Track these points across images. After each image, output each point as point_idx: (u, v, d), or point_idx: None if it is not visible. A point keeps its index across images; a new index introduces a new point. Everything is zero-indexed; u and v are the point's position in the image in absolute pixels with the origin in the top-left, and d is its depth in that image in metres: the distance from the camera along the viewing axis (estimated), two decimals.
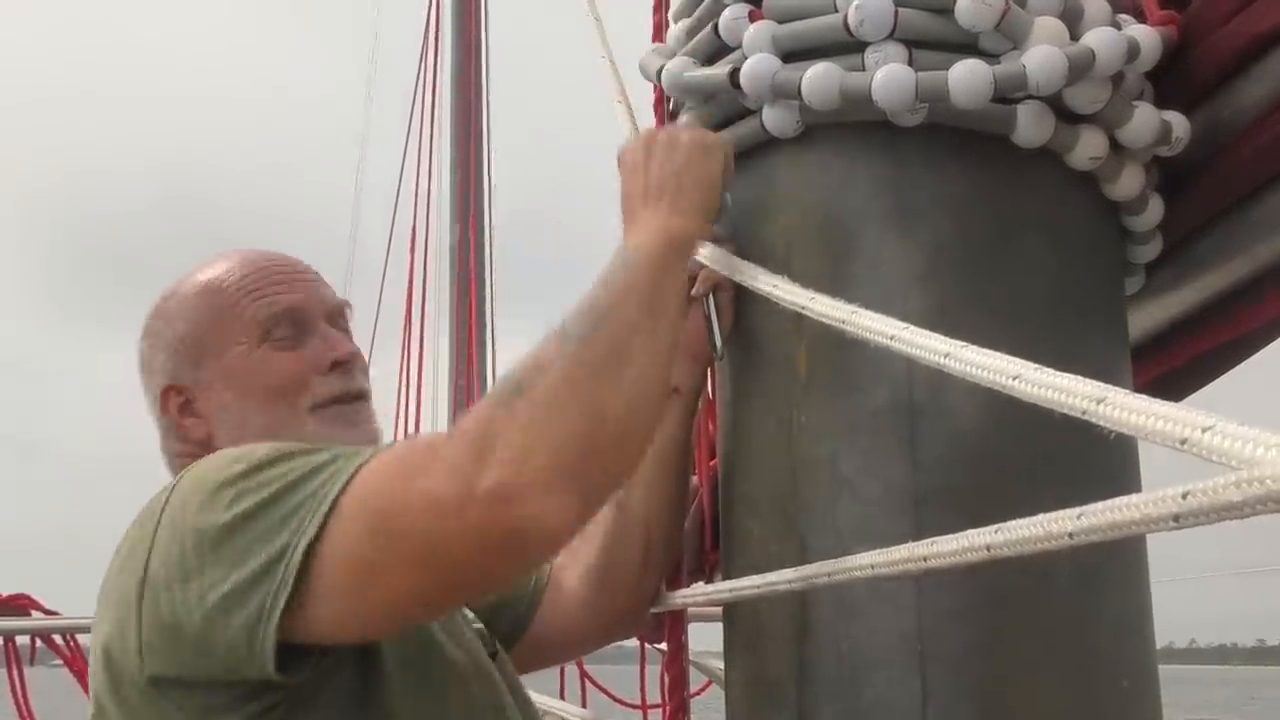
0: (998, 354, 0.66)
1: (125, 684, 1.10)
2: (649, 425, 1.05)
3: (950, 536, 0.72)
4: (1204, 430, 0.46)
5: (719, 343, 1.26)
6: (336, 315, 1.33)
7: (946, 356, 0.71)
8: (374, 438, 1.30)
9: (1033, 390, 0.61)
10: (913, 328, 0.78)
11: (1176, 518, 0.48)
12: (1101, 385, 0.56)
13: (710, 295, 1.28)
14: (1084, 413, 0.56)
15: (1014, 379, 0.63)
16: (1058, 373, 0.61)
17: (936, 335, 0.74)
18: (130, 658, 1.08)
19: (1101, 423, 0.55)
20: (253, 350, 1.27)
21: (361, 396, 1.31)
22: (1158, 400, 0.51)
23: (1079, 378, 0.58)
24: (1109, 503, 0.55)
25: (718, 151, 1.18)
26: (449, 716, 1.19)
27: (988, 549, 0.67)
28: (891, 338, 0.79)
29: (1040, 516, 0.62)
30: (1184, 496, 0.47)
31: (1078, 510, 0.57)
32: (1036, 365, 0.62)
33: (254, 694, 1.07)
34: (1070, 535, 0.57)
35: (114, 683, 1.11)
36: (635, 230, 1.13)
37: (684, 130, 1.21)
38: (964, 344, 0.70)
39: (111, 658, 1.11)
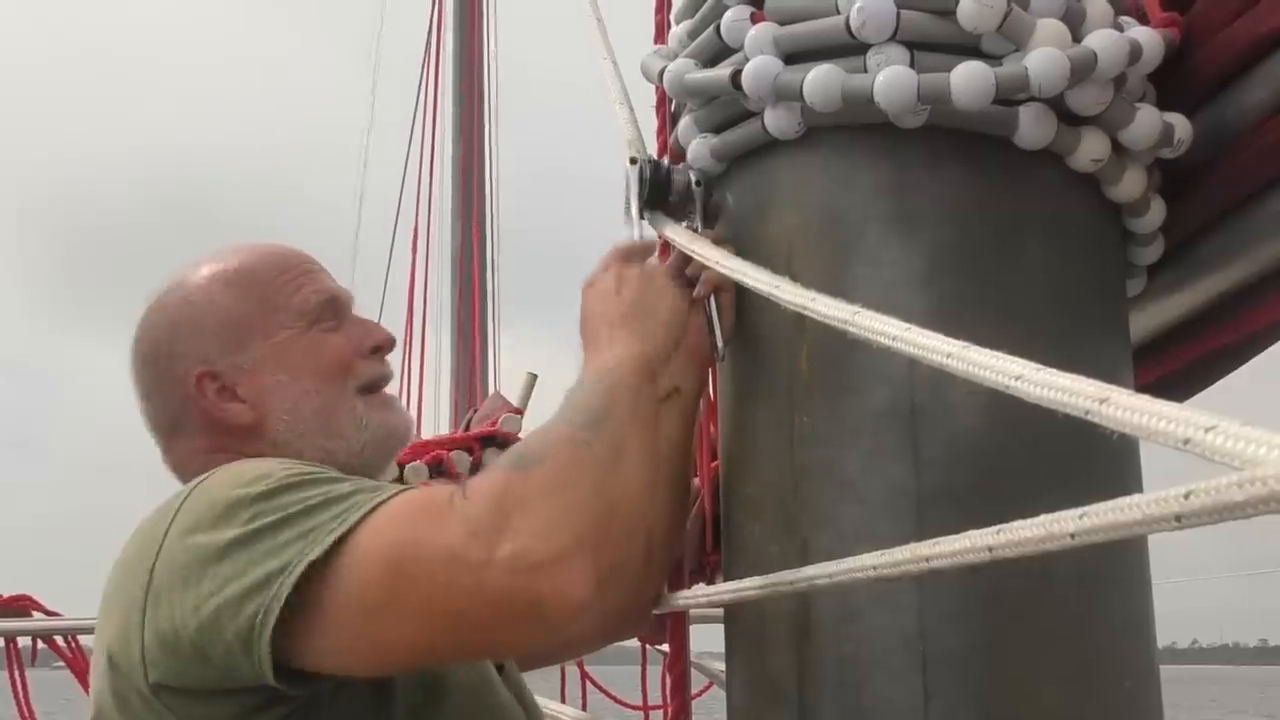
0: (1000, 354, 0.66)
1: (129, 692, 1.09)
2: (652, 519, 1.09)
3: (952, 537, 0.72)
4: (1207, 430, 0.46)
5: (720, 343, 1.26)
6: (352, 306, 1.37)
7: (949, 357, 0.71)
8: (411, 422, 1.35)
9: (1035, 390, 0.61)
10: (915, 328, 0.78)
11: (1179, 518, 0.48)
12: (1104, 385, 0.56)
13: (712, 296, 1.28)
14: (1087, 413, 0.56)
15: (1016, 379, 0.63)
16: (1060, 373, 0.61)
17: (939, 336, 0.74)
18: (134, 666, 1.08)
19: (1104, 423, 0.55)
20: (302, 334, 1.28)
21: (390, 379, 1.35)
22: (1160, 400, 0.51)
23: (1081, 378, 0.58)
24: (1111, 503, 0.55)
25: (683, 286, 1.24)
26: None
27: (990, 550, 0.67)
28: (894, 338, 0.79)
29: (1042, 517, 0.62)
30: (1186, 496, 0.47)
31: (1080, 511, 0.57)
32: (1039, 365, 0.62)
33: (263, 706, 1.06)
34: (1072, 536, 0.57)
35: (117, 690, 1.11)
36: (609, 349, 1.16)
37: (655, 266, 1.26)
38: (966, 344, 0.70)
39: (115, 664, 1.11)
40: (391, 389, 1.39)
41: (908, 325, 0.79)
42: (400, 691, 1.15)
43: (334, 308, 1.32)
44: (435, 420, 7.54)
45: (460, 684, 1.21)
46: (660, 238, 1.35)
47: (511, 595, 0.96)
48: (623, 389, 1.12)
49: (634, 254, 1.27)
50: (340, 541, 1.01)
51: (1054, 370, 0.61)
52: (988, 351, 0.68)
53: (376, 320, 1.37)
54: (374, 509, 1.02)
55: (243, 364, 1.27)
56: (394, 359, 1.36)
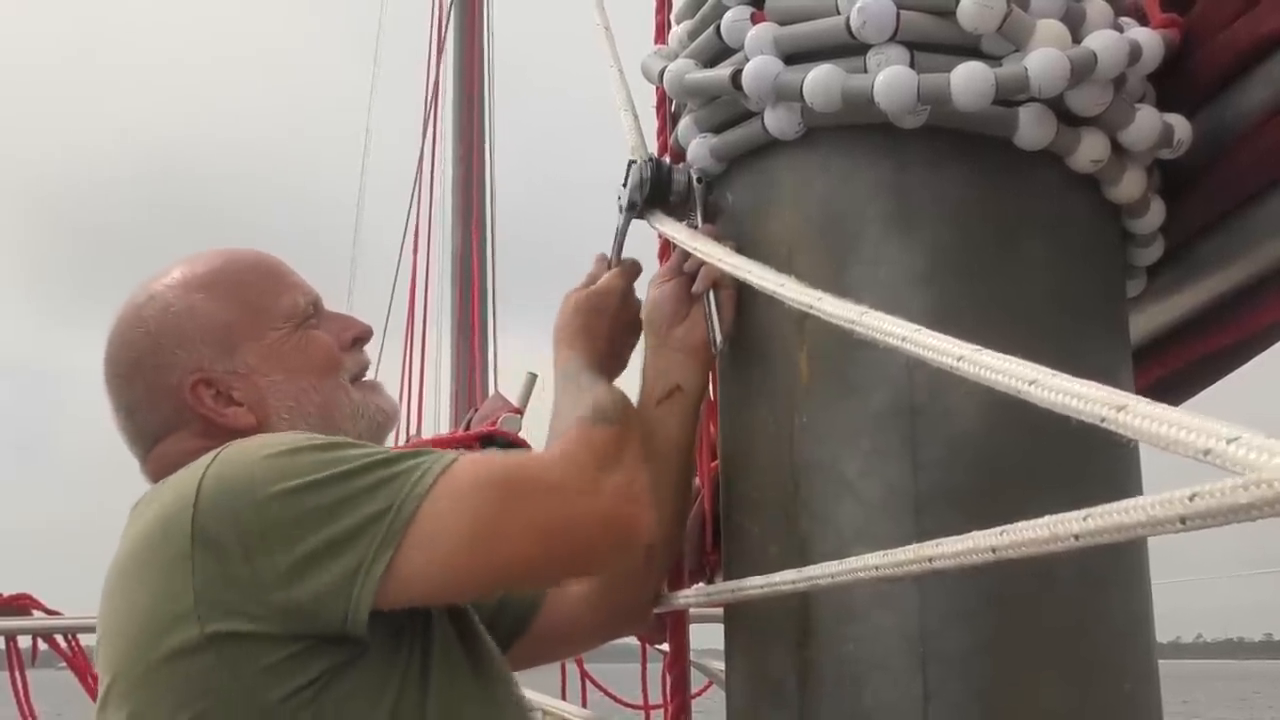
0: (1013, 359, 0.66)
1: (166, 652, 1.08)
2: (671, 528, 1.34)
3: (955, 538, 0.72)
4: (1229, 441, 0.46)
5: (719, 339, 1.27)
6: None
7: (960, 360, 0.71)
8: (397, 404, 1.42)
9: (1049, 396, 0.61)
10: (924, 330, 0.77)
11: (1183, 520, 0.48)
12: (1121, 393, 0.56)
13: (711, 292, 1.28)
14: (1103, 420, 0.55)
15: (1030, 384, 0.63)
16: (1075, 379, 0.60)
17: (950, 338, 0.74)
18: (178, 622, 1.07)
19: (1121, 431, 0.54)
20: (292, 334, 1.30)
21: (369, 367, 1.40)
22: (1178, 409, 0.51)
23: (1097, 384, 0.58)
24: (1115, 505, 0.55)
25: (684, 283, 1.35)
26: (483, 709, 1.21)
27: (993, 551, 0.67)
28: (903, 339, 0.79)
29: (1046, 518, 0.61)
30: (1191, 499, 0.47)
31: (1084, 512, 0.57)
32: (1053, 371, 0.62)
33: (307, 657, 1.07)
34: (1076, 537, 0.57)
35: (140, 657, 1.10)
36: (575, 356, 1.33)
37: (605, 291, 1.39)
38: (978, 348, 0.70)
39: (142, 631, 1.10)
40: (392, 388, 1.40)
41: (917, 327, 0.79)
42: (410, 670, 1.15)
43: (317, 306, 1.35)
44: (435, 420, 7.54)
45: (463, 663, 1.22)
46: (660, 236, 1.35)
47: (615, 518, 1.13)
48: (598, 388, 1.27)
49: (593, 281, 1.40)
50: (441, 477, 1.08)
51: (1068, 376, 0.61)
52: (1000, 355, 0.67)
53: (379, 319, 1.39)
54: (456, 459, 1.12)
55: (236, 368, 1.27)
56: (395, 359, 1.40)
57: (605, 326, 1.36)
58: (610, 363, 1.37)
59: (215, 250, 1.37)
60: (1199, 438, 0.48)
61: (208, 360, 1.27)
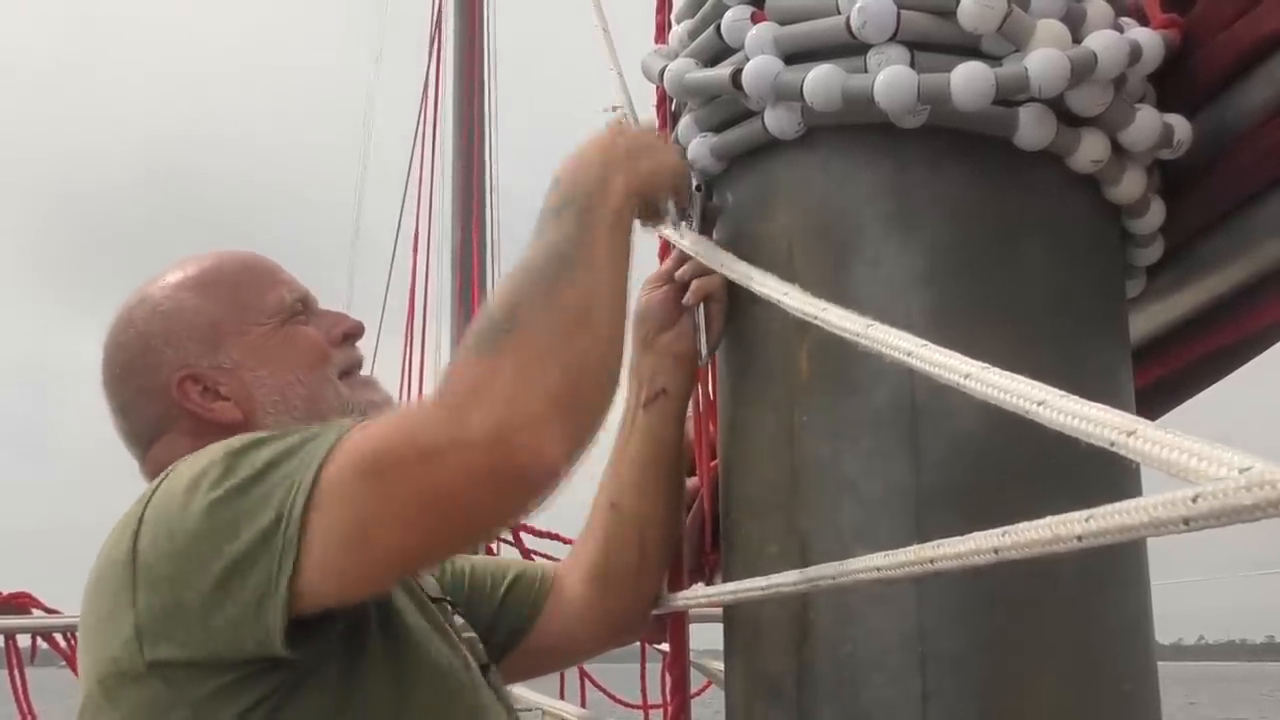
0: (1021, 378, 0.66)
1: (118, 675, 1.09)
2: (617, 368, 1.10)
3: (957, 539, 0.72)
4: (1241, 471, 0.45)
5: (705, 351, 1.28)
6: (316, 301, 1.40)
7: (967, 377, 0.70)
8: (393, 399, 1.39)
9: (1058, 418, 0.61)
10: (930, 345, 0.77)
11: (1186, 520, 0.48)
12: (1131, 417, 0.55)
13: (701, 306, 1.29)
14: (1112, 444, 0.55)
15: (1039, 405, 0.62)
16: (1084, 401, 0.60)
17: (956, 354, 0.74)
18: (125, 646, 1.08)
19: (1131, 456, 0.54)
20: (277, 329, 1.30)
21: (361, 364, 1.38)
22: (1189, 435, 0.51)
23: (1107, 408, 0.58)
24: (1118, 505, 0.55)
25: (675, 291, 1.31)
26: (422, 712, 1.19)
27: (995, 551, 0.67)
28: (909, 354, 0.79)
29: (1048, 519, 0.61)
30: (1194, 499, 0.47)
31: (1086, 513, 0.57)
32: (1062, 392, 0.62)
33: (249, 679, 1.07)
34: (1079, 538, 0.57)
35: (104, 675, 1.11)
36: (594, 171, 1.15)
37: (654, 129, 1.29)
38: (985, 365, 0.70)
39: (102, 649, 1.11)
40: (391, 387, 1.39)
41: (923, 341, 0.79)
42: (370, 681, 1.15)
43: (306, 303, 1.35)
44: None
45: (432, 672, 1.21)
46: (660, 238, 1.35)
47: (490, 468, 0.98)
48: (601, 225, 1.12)
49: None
50: (319, 473, 1.02)
51: (1078, 398, 0.61)
52: (1008, 375, 0.67)
53: (378, 317, 1.38)
54: (343, 437, 1.04)
55: (222, 363, 1.28)
56: (395, 357, 1.38)
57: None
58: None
59: (207, 253, 1.38)
60: (1211, 466, 0.48)
61: (193, 356, 1.28)
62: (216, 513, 1.05)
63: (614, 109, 1.33)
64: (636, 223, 1.22)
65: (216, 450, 1.10)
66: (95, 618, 1.13)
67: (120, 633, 1.09)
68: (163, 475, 1.14)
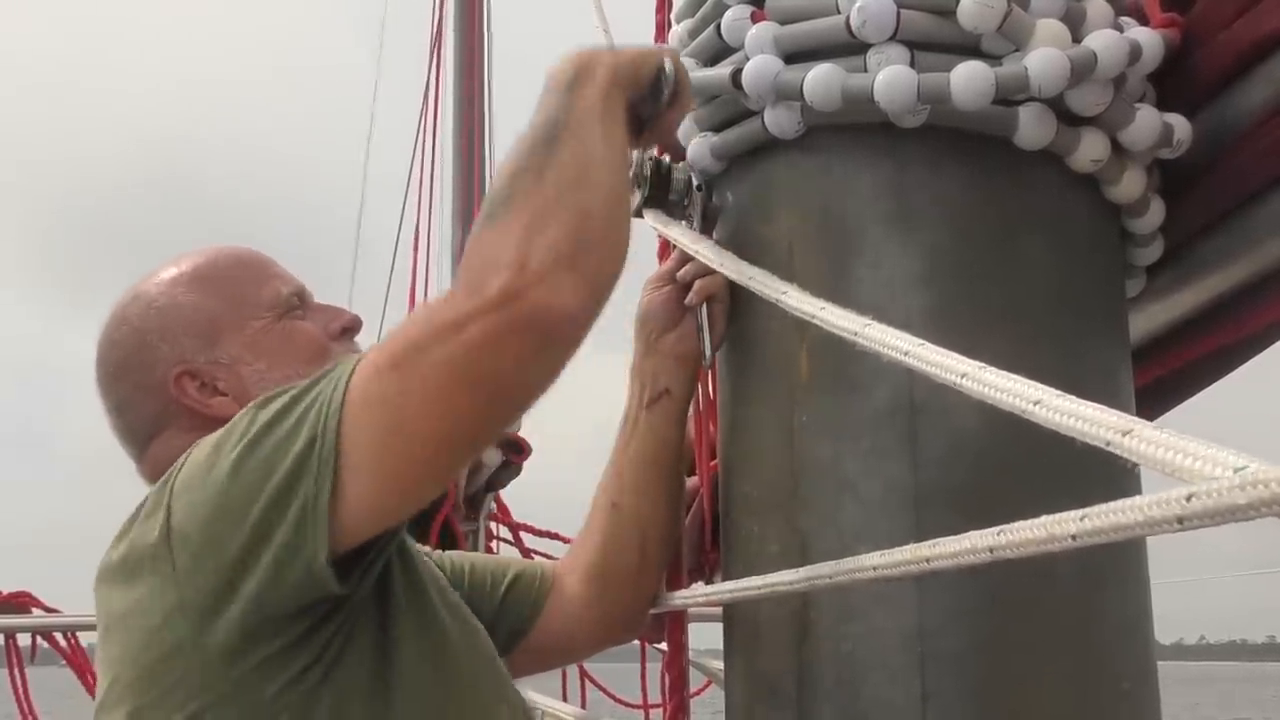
0: (1018, 378, 0.66)
1: (159, 655, 1.09)
2: (624, 221, 1.10)
3: (953, 538, 0.72)
4: (1236, 471, 0.46)
5: (709, 352, 1.28)
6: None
7: (964, 377, 0.71)
8: None
9: (1054, 418, 0.61)
10: (928, 345, 0.77)
11: (1180, 520, 0.48)
12: (1127, 417, 0.55)
13: (704, 306, 1.29)
14: (1108, 444, 0.55)
15: (1035, 404, 0.62)
16: (1080, 400, 0.60)
17: (953, 354, 0.74)
18: (169, 622, 1.08)
19: (1127, 456, 0.54)
20: (274, 323, 1.30)
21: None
22: (1185, 435, 0.51)
23: (1103, 407, 0.58)
24: (1113, 504, 0.55)
25: (678, 291, 1.32)
26: (458, 693, 1.21)
27: (991, 550, 0.67)
28: (906, 353, 0.79)
29: (1044, 518, 0.62)
30: (1188, 499, 0.47)
31: (1081, 512, 0.57)
32: (1059, 392, 0.62)
33: (291, 650, 1.07)
34: (1074, 537, 0.57)
35: (145, 653, 1.10)
36: (572, 69, 1.13)
37: None
38: (982, 365, 0.70)
39: (139, 628, 1.10)
40: None
41: (920, 341, 0.79)
42: (405, 656, 1.15)
43: (302, 297, 1.34)
44: None
45: (461, 649, 1.22)
46: (660, 237, 1.35)
47: (509, 325, 0.98)
48: (589, 97, 1.10)
49: None
50: (345, 394, 1.03)
51: (1074, 398, 0.61)
52: (1004, 374, 0.67)
53: (379, 316, 1.38)
54: (360, 358, 1.05)
55: (219, 358, 1.28)
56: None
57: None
58: None
59: (200, 248, 1.38)
60: (1206, 465, 0.48)
61: (190, 352, 1.28)
62: (246, 461, 1.05)
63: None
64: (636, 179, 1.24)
65: (237, 416, 1.11)
66: (126, 601, 1.12)
67: (159, 609, 1.08)
68: (180, 461, 1.13)
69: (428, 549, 1.46)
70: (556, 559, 1.55)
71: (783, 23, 1.18)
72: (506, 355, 0.99)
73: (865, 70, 1.12)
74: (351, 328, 1.36)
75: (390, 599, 1.18)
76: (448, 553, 1.50)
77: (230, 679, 1.07)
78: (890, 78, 1.09)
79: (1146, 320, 1.37)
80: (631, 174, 1.31)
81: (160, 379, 1.28)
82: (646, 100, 1.17)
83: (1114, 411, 0.57)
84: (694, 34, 1.30)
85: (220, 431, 1.11)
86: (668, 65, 1.18)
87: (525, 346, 1.00)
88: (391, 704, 1.14)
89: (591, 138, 1.08)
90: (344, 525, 1.04)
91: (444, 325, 1.00)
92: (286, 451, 1.04)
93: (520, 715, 1.30)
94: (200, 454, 1.11)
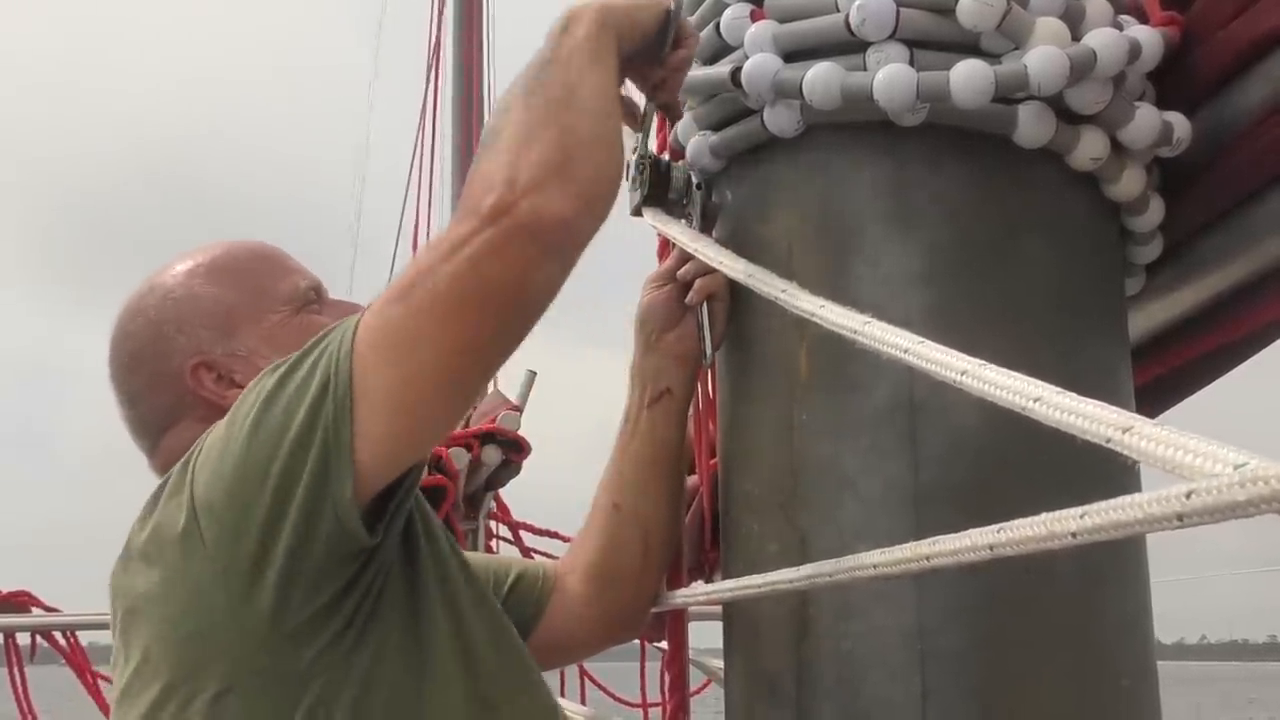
0: (1018, 375, 0.66)
1: (193, 626, 1.09)
2: (613, 140, 1.12)
3: (953, 536, 0.72)
4: (1236, 468, 0.46)
5: (710, 351, 1.28)
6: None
7: (963, 374, 0.71)
8: None
9: (1054, 415, 0.61)
10: (927, 342, 0.77)
11: (1180, 517, 0.48)
12: (1127, 414, 0.55)
13: (704, 304, 1.29)
14: (1108, 441, 0.55)
15: (1035, 401, 0.62)
16: (1080, 397, 0.60)
17: (953, 351, 0.74)
18: (201, 596, 1.08)
19: (1127, 453, 0.54)
20: (291, 317, 1.30)
21: None
22: (1185, 432, 0.51)
23: (1103, 404, 0.58)
24: (1112, 502, 0.55)
25: (678, 290, 1.32)
26: (481, 667, 1.21)
27: (990, 548, 0.67)
28: (905, 351, 0.79)
29: (1043, 516, 0.62)
30: (1188, 496, 0.47)
31: (1080, 510, 0.57)
32: (1059, 389, 0.62)
33: (322, 616, 1.07)
34: (1073, 535, 0.57)
35: (175, 629, 1.11)
36: (568, 13, 1.16)
37: None
38: (981, 362, 0.70)
39: (171, 603, 1.11)
40: None
41: (919, 338, 0.79)
42: (432, 624, 1.17)
43: (318, 292, 1.35)
44: None
45: (479, 630, 1.23)
46: (660, 236, 1.35)
47: (506, 237, 1.01)
48: (577, 36, 1.12)
49: None
50: (353, 340, 1.05)
51: (1074, 395, 0.61)
52: (1004, 371, 0.67)
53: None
54: (367, 307, 1.08)
55: (236, 350, 1.28)
56: None
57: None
58: None
59: (215, 241, 1.37)
60: (1206, 462, 0.48)
61: (207, 343, 1.28)
62: (262, 420, 1.07)
63: (632, 151, 1.32)
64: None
65: (246, 389, 1.12)
66: (153, 585, 1.12)
67: (194, 587, 1.09)
68: (199, 442, 1.14)
69: None
70: (557, 558, 1.55)
71: (782, 21, 1.18)
72: (508, 264, 1.02)
73: (864, 69, 1.12)
74: None
75: (417, 563, 1.18)
76: None
77: (267, 648, 1.07)
78: (889, 76, 1.09)
79: (1146, 318, 1.37)
80: (630, 175, 1.31)
81: (176, 370, 1.28)
82: (653, 46, 1.19)
83: (1114, 408, 0.57)
84: None
85: (227, 416, 1.12)
86: (672, 6, 1.20)
87: (524, 254, 1.02)
88: (426, 665, 1.14)
89: (578, 66, 1.10)
90: (365, 467, 1.04)
91: (445, 248, 1.03)
92: (301, 400, 1.05)
93: (543, 706, 1.30)
94: (214, 434, 1.12)
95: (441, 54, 8.19)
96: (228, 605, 1.07)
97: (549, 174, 1.03)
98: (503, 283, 1.03)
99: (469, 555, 1.52)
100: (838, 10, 1.14)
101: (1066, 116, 1.13)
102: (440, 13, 8.28)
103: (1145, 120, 1.15)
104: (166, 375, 1.28)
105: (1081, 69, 1.09)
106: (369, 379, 1.04)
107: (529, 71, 1.11)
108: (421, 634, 1.15)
